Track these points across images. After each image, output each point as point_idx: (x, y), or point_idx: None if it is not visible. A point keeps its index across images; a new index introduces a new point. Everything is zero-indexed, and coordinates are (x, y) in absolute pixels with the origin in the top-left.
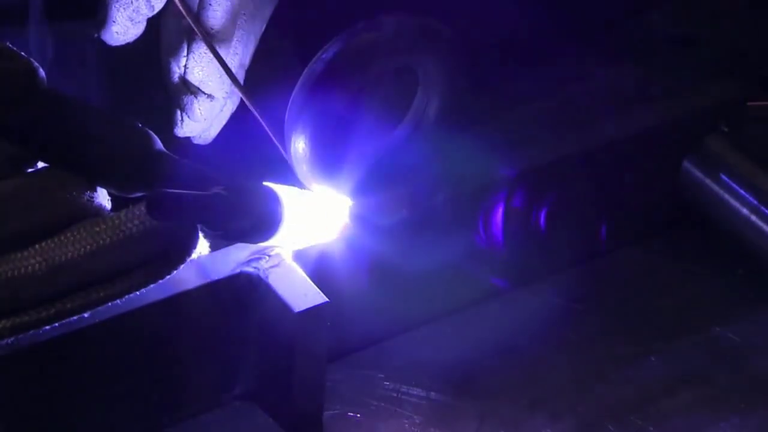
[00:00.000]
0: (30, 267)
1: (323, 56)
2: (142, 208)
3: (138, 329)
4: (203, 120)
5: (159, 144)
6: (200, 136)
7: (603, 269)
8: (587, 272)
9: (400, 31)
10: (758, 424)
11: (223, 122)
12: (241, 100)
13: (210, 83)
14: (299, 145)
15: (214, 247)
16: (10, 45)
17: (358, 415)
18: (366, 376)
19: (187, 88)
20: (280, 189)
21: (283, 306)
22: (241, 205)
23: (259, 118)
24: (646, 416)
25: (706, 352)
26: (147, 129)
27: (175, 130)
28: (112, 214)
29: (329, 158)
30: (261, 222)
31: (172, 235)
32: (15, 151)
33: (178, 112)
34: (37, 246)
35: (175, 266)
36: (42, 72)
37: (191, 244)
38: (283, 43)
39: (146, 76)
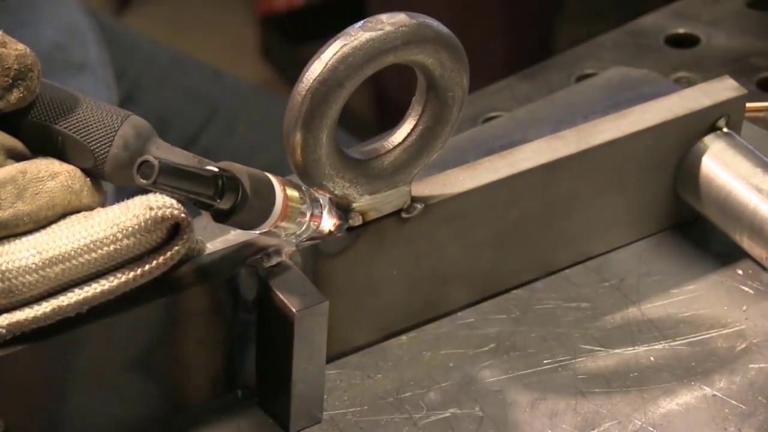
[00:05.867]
0: (24, 259)
1: (321, 56)
2: (136, 201)
3: (136, 329)
4: None
5: (152, 131)
6: None
7: (601, 269)
8: (585, 272)
9: (399, 30)
10: (758, 425)
11: None
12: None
13: None
14: (297, 149)
15: (213, 247)
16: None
17: (358, 415)
18: (365, 375)
19: None
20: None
21: (282, 305)
22: (234, 182)
23: None
24: (647, 416)
25: (705, 353)
26: (140, 118)
27: None
28: (106, 207)
29: (328, 163)
30: (254, 203)
31: (167, 228)
32: (6, 141)
33: None
34: (30, 237)
35: (172, 259)
36: (37, 59)
37: (187, 236)
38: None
39: None
